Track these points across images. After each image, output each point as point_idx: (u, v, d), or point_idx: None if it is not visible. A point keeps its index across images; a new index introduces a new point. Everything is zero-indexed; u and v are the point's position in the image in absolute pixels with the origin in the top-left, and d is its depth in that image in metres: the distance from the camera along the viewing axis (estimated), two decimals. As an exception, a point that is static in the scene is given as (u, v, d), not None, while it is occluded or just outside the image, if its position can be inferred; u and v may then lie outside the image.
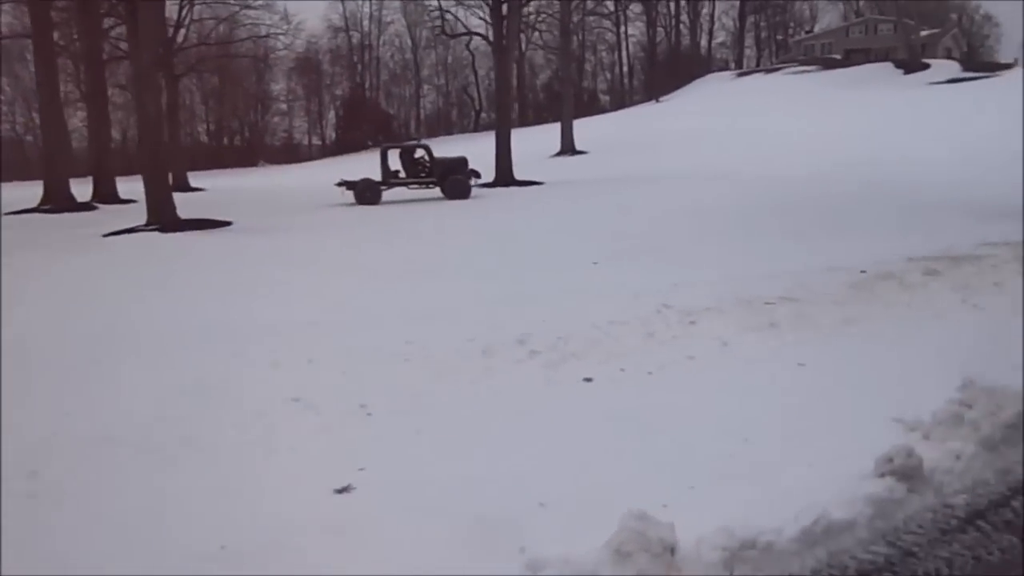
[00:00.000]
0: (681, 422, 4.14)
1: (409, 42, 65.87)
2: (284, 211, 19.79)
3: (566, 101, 46.88)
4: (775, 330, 5.80)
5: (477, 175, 23.82)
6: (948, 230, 11.03)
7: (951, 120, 33.53)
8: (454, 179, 22.85)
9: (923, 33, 58.98)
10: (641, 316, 6.28)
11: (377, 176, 22.84)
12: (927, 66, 53.32)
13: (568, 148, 44.46)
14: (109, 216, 17.95)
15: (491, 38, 29.14)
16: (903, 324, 5.96)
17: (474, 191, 27.01)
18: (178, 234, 14.92)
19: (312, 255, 12.14)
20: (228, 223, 16.23)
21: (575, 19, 46.69)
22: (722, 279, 7.84)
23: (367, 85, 73.26)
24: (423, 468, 3.76)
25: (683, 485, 3.41)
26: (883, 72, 53.16)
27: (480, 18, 37.60)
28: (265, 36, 42.76)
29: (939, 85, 47.49)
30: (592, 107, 72.84)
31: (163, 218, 15.52)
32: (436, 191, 22.83)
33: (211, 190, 33.01)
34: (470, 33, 34.09)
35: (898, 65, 54.45)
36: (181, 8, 38.01)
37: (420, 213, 18.81)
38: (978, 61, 57.61)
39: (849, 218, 13.25)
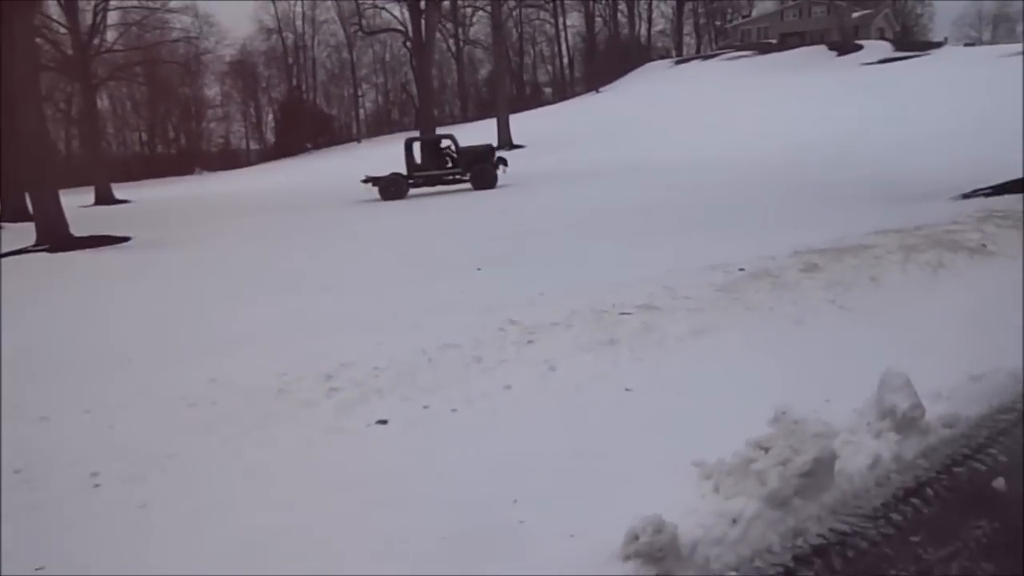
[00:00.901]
0: (448, 480, 3.49)
1: (345, 41, 64.44)
2: (200, 221, 18.93)
3: (501, 95, 46.33)
4: (613, 348, 5.19)
5: (504, 163, 23.15)
6: (851, 216, 10.62)
7: (881, 101, 33.62)
8: (480, 168, 22.30)
9: (855, 14, 59.45)
10: (479, 336, 5.63)
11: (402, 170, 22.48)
12: (860, 47, 53.71)
13: (505, 143, 43.97)
14: (10, 235, 16.91)
15: (411, 34, 28.40)
16: (756, 334, 5.40)
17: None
18: (69, 253, 14.12)
19: (195, 269, 11.43)
20: (126, 239, 15.40)
21: (509, 11, 46.01)
22: (593, 284, 7.24)
23: (304, 87, 71.76)
24: (119, 556, 3.07)
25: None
26: (817, 55, 53.41)
27: (393, 15, 36.71)
28: (179, 40, 41.16)
29: (872, 66, 47.78)
30: (535, 99, 72.42)
31: (53, 237, 14.68)
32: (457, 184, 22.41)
33: (137, 202, 31.77)
34: (387, 30, 33.21)
35: (831, 47, 54.78)
36: (96, 13, 36.53)
37: (345, 215, 18.08)
38: (910, 40, 58.31)
39: (757, 208, 12.83)
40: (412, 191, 21.97)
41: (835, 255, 7.67)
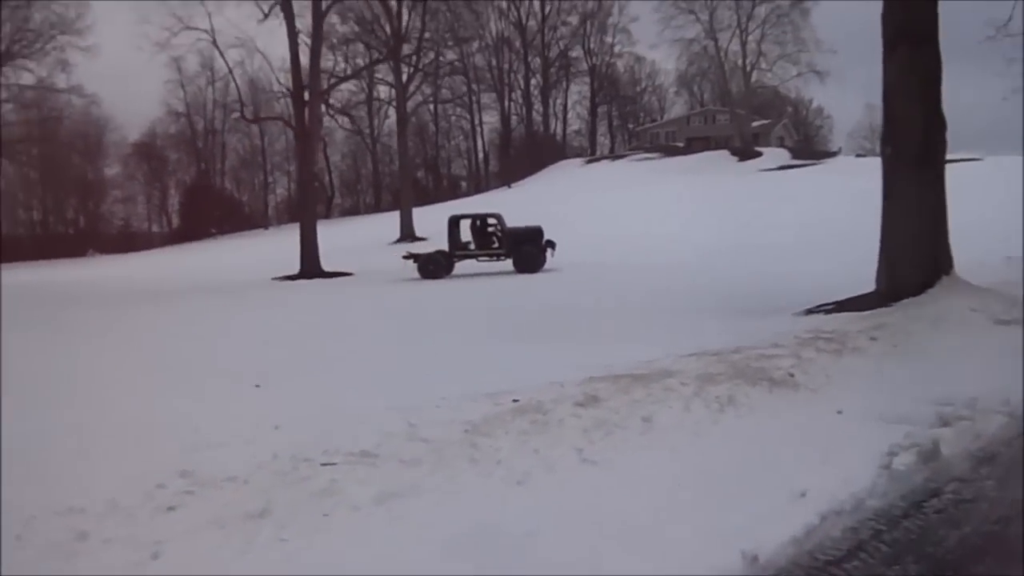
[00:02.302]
0: None
1: (256, 127, 63.54)
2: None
3: (404, 187, 45.88)
4: (255, 524, 3.96)
5: (552, 245, 21.92)
6: (685, 330, 9.80)
7: (773, 205, 34.19)
8: (526, 250, 21.17)
9: (755, 123, 61.91)
10: (127, 503, 4.33)
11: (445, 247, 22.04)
12: (760, 154, 55.70)
13: (408, 235, 43.35)
14: None
15: (294, 124, 27.76)
16: (450, 501, 4.26)
17: (276, 285, 25.16)
18: None
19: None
20: None
21: (415, 107, 46.01)
22: (329, 413, 6.11)
23: (212, 171, 70.24)
24: None
25: None
26: (719, 159, 55.12)
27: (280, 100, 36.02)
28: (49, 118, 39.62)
29: (769, 172, 49.36)
30: (451, 192, 72.58)
31: None
32: (500, 263, 21.86)
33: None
34: (270, 118, 32.55)
35: (733, 152, 56.66)
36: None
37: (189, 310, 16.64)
38: (807, 149, 60.88)
39: (599, 316, 12.01)
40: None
41: (628, 383, 6.68)
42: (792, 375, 6.90)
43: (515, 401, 6.33)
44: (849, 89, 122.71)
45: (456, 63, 46.98)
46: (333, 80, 31.88)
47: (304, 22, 28.86)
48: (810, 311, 10.85)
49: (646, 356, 7.89)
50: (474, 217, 23.20)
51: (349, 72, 34.56)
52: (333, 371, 8.47)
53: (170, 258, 47.49)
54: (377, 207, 67.90)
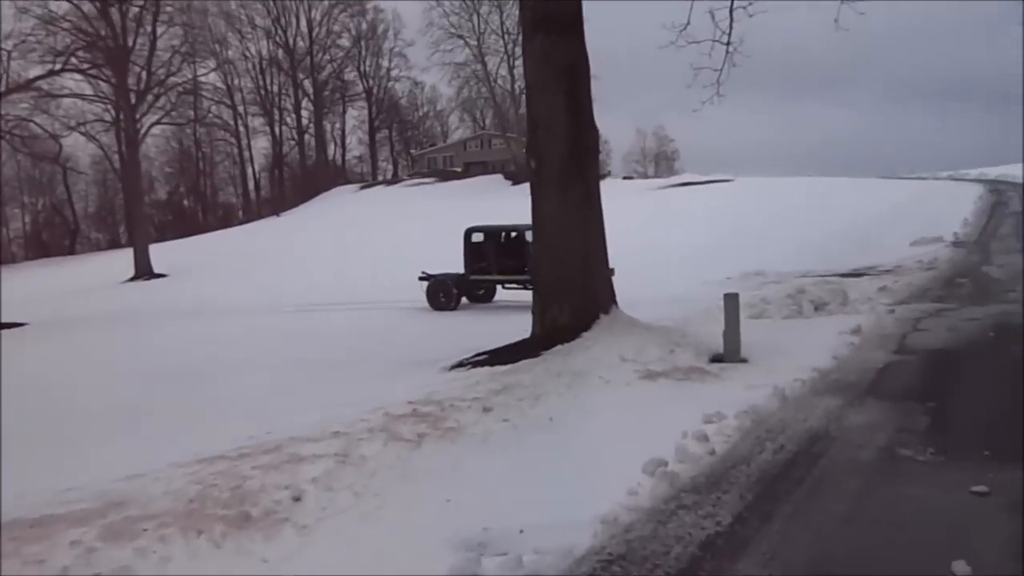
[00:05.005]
0: None
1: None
2: None
3: (135, 218, 41.01)
4: None
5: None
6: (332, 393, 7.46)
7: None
8: None
9: (529, 147, 61.91)
10: None
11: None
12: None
13: (144, 272, 38.49)
14: None
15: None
16: None
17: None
18: None
19: None
20: None
21: (147, 128, 41.07)
22: None
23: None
24: None
25: None
26: (493, 183, 54.36)
27: None
28: None
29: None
30: (226, 221, 67.08)
31: None
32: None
33: None
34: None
35: (507, 176, 56.10)
36: None
37: None
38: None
39: (267, 373, 9.31)
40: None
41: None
42: (299, 498, 4.56)
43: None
44: (622, 115, 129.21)
45: (188, 83, 42.44)
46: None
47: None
48: (461, 363, 8.78)
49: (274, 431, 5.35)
50: (499, 231, 16.94)
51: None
52: None
53: None
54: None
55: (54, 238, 64.64)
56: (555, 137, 8.34)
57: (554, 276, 8.46)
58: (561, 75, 8.31)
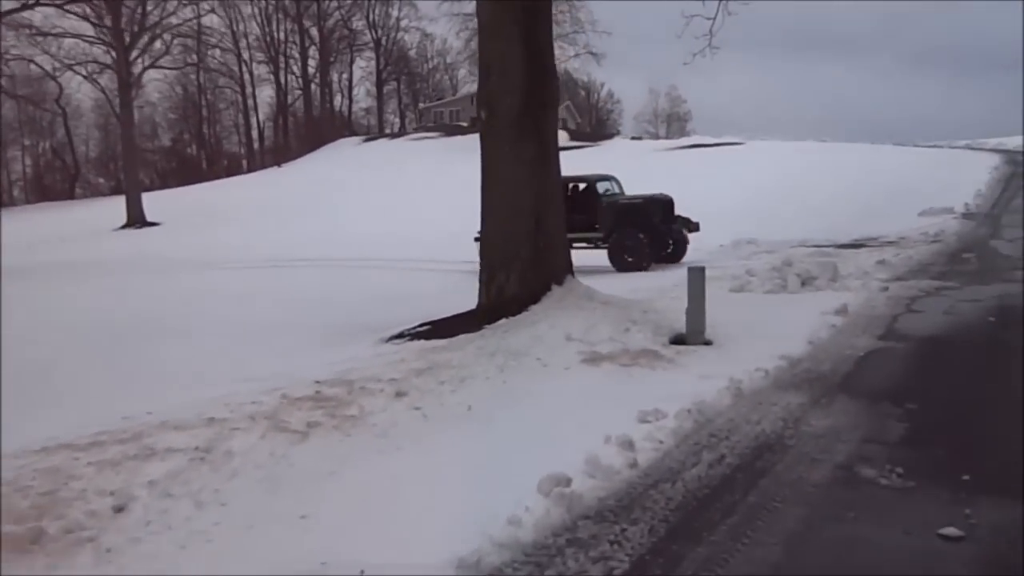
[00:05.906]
0: None
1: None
2: None
3: (128, 164, 40.18)
4: None
5: (691, 228, 14.42)
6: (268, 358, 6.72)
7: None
8: (627, 235, 13.70)
9: (537, 103, 60.33)
10: None
11: None
12: (538, 134, 54.04)
13: (137, 220, 37.92)
14: None
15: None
16: None
17: None
18: None
19: None
20: None
21: (142, 70, 39.95)
22: None
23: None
24: None
25: None
26: (498, 139, 52.97)
27: None
28: None
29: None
30: (232, 170, 66.00)
31: None
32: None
33: None
34: None
35: (512, 132, 54.68)
36: None
37: None
38: (585, 132, 60.20)
39: (204, 336, 8.53)
40: None
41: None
42: (121, 509, 3.77)
43: None
44: (634, 74, 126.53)
45: (187, 25, 41.21)
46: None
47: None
48: (401, 334, 7.95)
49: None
50: (565, 182, 13.10)
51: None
52: None
53: None
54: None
55: (55, 182, 63.91)
56: (509, 86, 7.37)
57: (501, 240, 7.57)
58: (517, 15, 7.31)
